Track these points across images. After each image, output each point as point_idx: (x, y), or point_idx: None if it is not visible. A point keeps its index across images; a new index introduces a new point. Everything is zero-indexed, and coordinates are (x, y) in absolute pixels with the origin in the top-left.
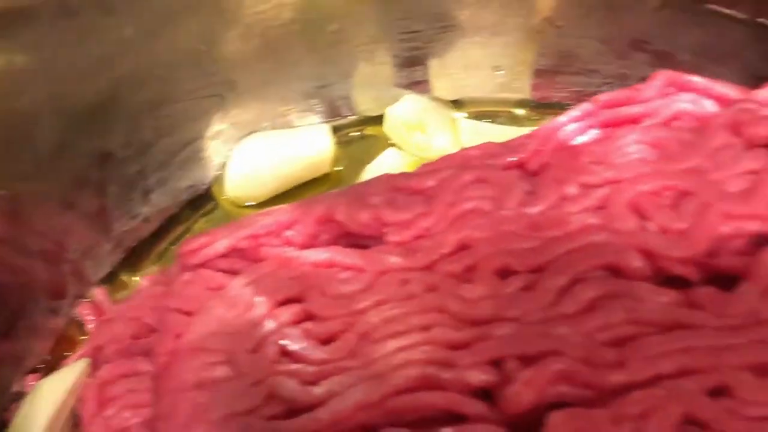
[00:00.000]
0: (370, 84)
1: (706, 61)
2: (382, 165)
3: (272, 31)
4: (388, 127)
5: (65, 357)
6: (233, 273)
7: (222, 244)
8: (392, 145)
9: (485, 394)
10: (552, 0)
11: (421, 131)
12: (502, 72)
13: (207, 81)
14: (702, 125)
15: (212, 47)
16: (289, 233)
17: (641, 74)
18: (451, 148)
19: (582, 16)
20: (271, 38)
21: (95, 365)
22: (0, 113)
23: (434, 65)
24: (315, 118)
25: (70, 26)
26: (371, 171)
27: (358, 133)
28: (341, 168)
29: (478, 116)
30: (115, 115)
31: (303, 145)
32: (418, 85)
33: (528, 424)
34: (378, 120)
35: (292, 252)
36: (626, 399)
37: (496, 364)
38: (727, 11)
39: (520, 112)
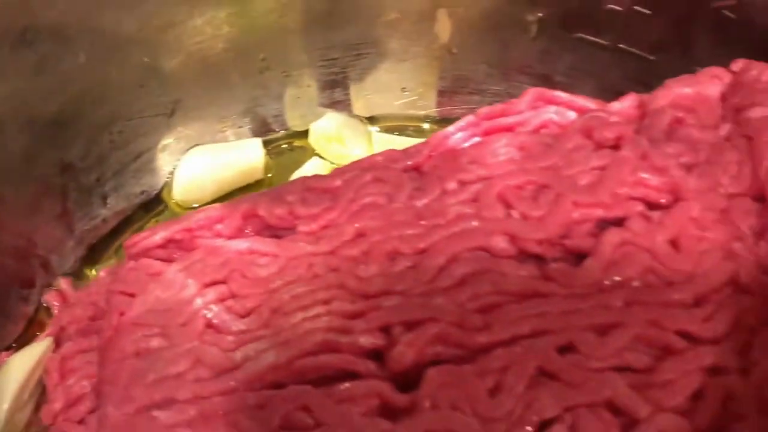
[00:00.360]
0: (297, 104)
1: (577, 81)
2: (307, 172)
3: (210, 59)
4: (312, 140)
5: (35, 337)
6: (170, 261)
7: (159, 236)
8: (316, 155)
9: (376, 355)
10: (448, 31)
11: (340, 143)
12: (408, 92)
13: (154, 102)
14: (562, 131)
15: (158, 73)
16: (218, 227)
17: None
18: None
19: (474, 44)
20: (209, 65)
21: (58, 343)
22: None
23: (352, 87)
24: (249, 133)
25: (29, 54)
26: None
27: (287, 145)
28: (272, 175)
29: (389, 130)
30: (75, 130)
31: (239, 156)
32: (339, 104)
33: (410, 379)
34: (304, 134)
35: (219, 242)
36: (490, 356)
37: (384, 330)
38: (593, 39)
39: (426, 126)
